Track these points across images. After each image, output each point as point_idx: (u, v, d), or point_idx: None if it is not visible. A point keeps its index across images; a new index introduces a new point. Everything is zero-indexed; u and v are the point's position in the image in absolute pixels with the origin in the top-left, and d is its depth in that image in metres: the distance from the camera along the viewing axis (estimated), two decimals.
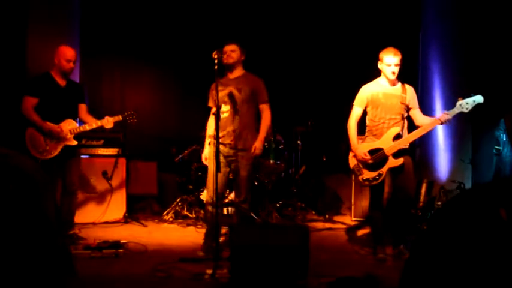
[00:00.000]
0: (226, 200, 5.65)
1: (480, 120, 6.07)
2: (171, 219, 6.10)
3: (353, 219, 6.14)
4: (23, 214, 0.71)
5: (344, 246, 5.07)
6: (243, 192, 4.53)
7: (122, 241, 4.85)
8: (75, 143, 4.87)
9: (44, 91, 4.79)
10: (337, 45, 7.34)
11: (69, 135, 4.81)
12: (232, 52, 4.43)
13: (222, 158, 4.36)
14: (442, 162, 6.62)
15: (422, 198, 6.05)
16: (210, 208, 4.45)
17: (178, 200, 6.30)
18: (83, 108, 5.01)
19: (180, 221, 6.06)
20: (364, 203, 5.89)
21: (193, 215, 6.04)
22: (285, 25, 7.44)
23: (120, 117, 4.95)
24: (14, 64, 5.70)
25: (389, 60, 4.29)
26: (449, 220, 0.73)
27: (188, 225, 5.87)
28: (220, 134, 4.28)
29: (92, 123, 4.89)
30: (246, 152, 4.47)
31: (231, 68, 4.51)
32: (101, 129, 5.04)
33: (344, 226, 5.90)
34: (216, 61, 4.12)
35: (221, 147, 4.32)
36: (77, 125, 4.96)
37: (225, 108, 4.46)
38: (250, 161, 4.51)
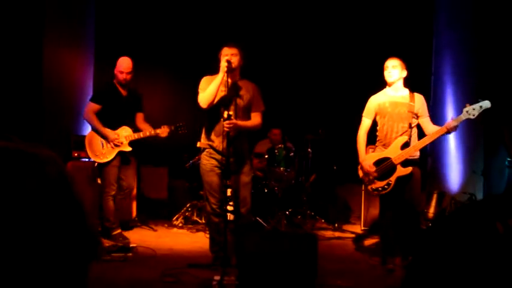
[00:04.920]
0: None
1: (493, 131, 6.02)
2: (180, 224, 6.13)
3: (363, 228, 6.11)
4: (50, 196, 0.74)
5: (353, 256, 5.05)
6: (246, 200, 4.33)
7: (131, 245, 4.89)
8: (130, 149, 5.11)
9: (106, 99, 5.10)
10: (350, 53, 7.35)
11: (125, 142, 5.06)
12: (233, 56, 4.17)
13: (219, 165, 4.24)
14: (454, 173, 6.57)
15: (432, 209, 6.00)
16: (215, 218, 4.28)
17: (188, 205, 6.34)
18: (140, 116, 5.27)
19: (190, 226, 6.09)
20: (374, 212, 5.86)
21: (203, 221, 6.06)
22: (298, 34, 7.48)
23: (172, 127, 5.16)
24: (30, 69, 5.78)
25: (386, 64, 4.41)
26: (448, 233, 0.75)
27: (197, 230, 5.90)
28: (218, 141, 4.18)
29: (147, 132, 5.11)
30: (244, 158, 4.37)
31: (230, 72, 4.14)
32: (154, 137, 5.15)
33: (353, 235, 5.88)
34: (226, 68, 4.01)
35: (218, 155, 4.21)
36: (132, 132, 5.14)
37: (225, 114, 4.13)
38: (249, 166, 4.41)
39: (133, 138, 5.09)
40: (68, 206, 0.74)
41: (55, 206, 0.72)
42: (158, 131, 5.07)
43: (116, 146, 5.05)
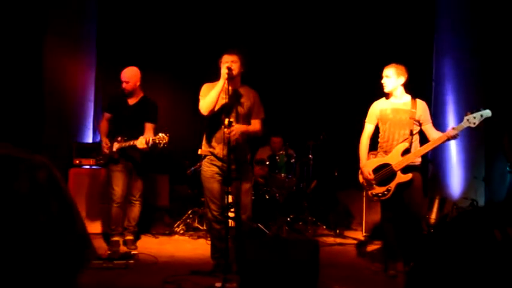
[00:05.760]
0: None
1: (494, 137, 6.02)
2: (182, 231, 6.12)
3: (364, 234, 6.09)
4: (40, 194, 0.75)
5: (355, 262, 5.03)
6: (247, 207, 4.32)
7: (132, 252, 4.89)
8: (116, 157, 5.11)
9: (112, 107, 5.25)
10: (350, 59, 7.36)
11: (114, 150, 5.11)
12: (234, 63, 4.15)
13: (220, 172, 4.26)
14: (455, 179, 6.56)
15: (434, 215, 5.99)
16: (216, 225, 4.29)
17: (189, 212, 6.33)
18: (147, 126, 5.14)
19: (191, 233, 6.08)
20: (376, 218, 5.85)
21: (204, 227, 6.06)
22: (299, 41, 7.49)
23: (149, 140, 4.86)
24: (31, 74, 5.81)
25: (382, 73, 4.41)
26: (448, 240, 0.75)
27: (199, 237, 5.89)
28: (219, 147, 4.20)
29: (131, 141, 5.01)
30: (245, 165, 4.39)
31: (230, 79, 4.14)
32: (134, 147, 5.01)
33: (355, 241, 5.86)
34: (226, 75, 4.03)
35: (219, 162, 4.23)
36: (124, 141, 5.12)
37: (226, 121, 4.07)
38: (249, 172, 4.41)
39: (119, 146, 5.08)
40: (57, 209, 0.75)
41: (44, 209, 0.73)
42: (135, 142, 4.90)
43: (109, 153, 5.10)
